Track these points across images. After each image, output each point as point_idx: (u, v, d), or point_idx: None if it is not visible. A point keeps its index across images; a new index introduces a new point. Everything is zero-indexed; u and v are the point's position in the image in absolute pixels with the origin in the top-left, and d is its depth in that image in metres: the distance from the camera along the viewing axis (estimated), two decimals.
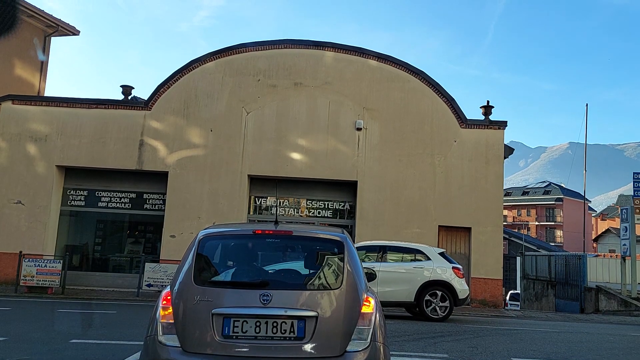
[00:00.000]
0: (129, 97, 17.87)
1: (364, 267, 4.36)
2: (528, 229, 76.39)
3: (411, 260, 12.02)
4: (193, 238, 4.26)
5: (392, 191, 16.53)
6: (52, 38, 22.47)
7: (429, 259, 11.94)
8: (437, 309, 11.55)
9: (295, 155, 16.72)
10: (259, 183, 17.12)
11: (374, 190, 16.52)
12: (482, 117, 17.18)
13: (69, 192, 17.37)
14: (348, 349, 3.70)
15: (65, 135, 16.93)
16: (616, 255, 26.89)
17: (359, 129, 16.74)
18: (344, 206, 17.25)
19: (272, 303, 3.73)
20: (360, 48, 17.28)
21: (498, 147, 16.73)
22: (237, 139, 16.82)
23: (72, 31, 22.77)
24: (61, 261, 14.83)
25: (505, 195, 27.37)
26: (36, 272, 14.43)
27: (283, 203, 17.34)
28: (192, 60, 17.31)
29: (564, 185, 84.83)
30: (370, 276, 5.36)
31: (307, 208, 17.30)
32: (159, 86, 17.20)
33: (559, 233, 76.92)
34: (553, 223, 78.26)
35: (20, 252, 14.90)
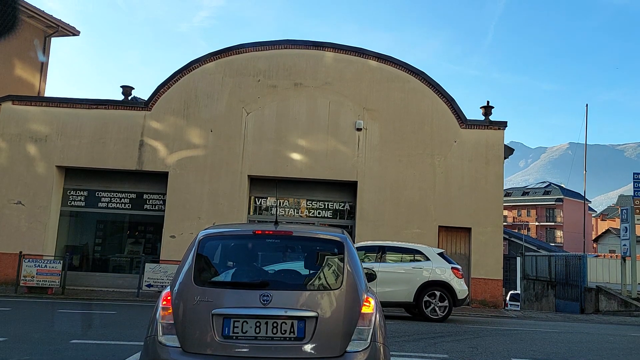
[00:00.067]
0: (129, 98, 17.88)
1: (364, 268, 4.36)
2: (528, 230, 76.39)
3: (410, 260, 12.01)
4: (193, 238, 4.26)
5: (392, 191, 16.53)
6: (52, 38, 22.48)
7: (428, 259, 11.94)
8: (437, 309, 11.55)
9: (295, 156, 16.72)
10: (259, 183, 17.12)
11: (374, 191, 16.53)
12: (482, 118, 17.19)
13: (69, 192, 17.37)
14: (348, 349, 3.70)
15: (66, 136, 16.93)
16: (616, 255, 26.89)
17: (359, 129, 16.75)
18: (344, 206, 17.25)
19: (272, 303, 3.73)
20: (360, 48, 17.28)
21: (498, 148, 16.73)
22: (237, 140, 16.83)
23: (72, 31, 22.78)
24: (61, 261, 14.83)
25: (505, 195, 27.37)
26: (36, 272, 14.44)
27: (283, 203, 17.34)
28: (192, 61, 17.32)
29: (564, 186, 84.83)
30: (370, 276, 5.37)
31: (307, 208, 17.30)
32: (159, 86, 17.21)
33: (559, 233, 76.92)
34: (553, 223, 78.26)
35: (21, 252, 14.90)
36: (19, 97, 17.54)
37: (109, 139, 16.89)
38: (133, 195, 17.35)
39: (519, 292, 28.68)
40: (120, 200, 17.33)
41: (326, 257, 4.21)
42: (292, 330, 3.70)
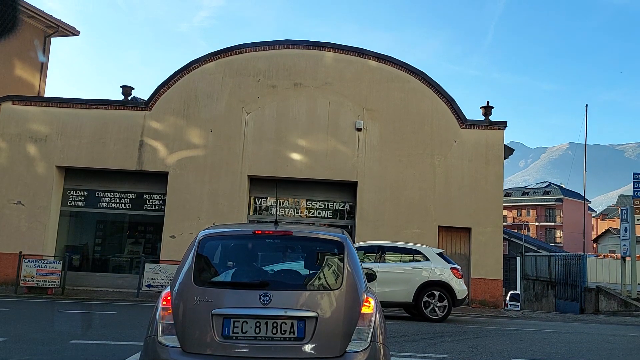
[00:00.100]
0: (129, 98, 17.88)
1: (364, 268, 4.36)
2: (528, 230, 76.39)
3: (409, 260, 12.01)
4: (193, 238, 4.26)
5: (392, 191, 16.54)
6: (52, 38, 22.49)
7: (427, 259, 11.94)
8: (436, 309, 11.54)
9: (295, 156, 16.72)
10: (259, 183, 17.12)
11: (374, 191, 16.53)
12: (482, 118, 17.19)
13: (69, 192, 17.37)
14: (348, 349, 3.70)
15: (65, 136, 16.93)
16: (616, 255, 26.89)
17: (359, 130, 16.75)
18: (344, 206, 17.25)
19: (272, 303, 3.73)
20: (360, 48, 17.29)
21: (498, 148, 16.74)
22: (237, 140, 16.83)
23: (72, 31, 22.79)
24: (61, 262, 14.83)
25: (505, 195, 27.38)
26: (36, 272, 14.44)
27: (283, 203, 17.34)
28: (192, 61, 17.32)
29: (563, 186, 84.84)
30: (370, 277, 5.37)
31: (307, 208, 17.31)
32: (158, 87, 17.21)
33: (559, 233, 76.92)
34: (553, 223, 78.26)
35: (20, 252, 14.91)
36: (19, 97, 17.54)
37: (109, 139, 16.90)
38: (133, 195, 17.35)
39: (518, 292, 28.68)
40: (120, 200, 17.33)
41: (326, 257, 4.21)
42: (292, 331, 3.70)
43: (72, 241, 17.53)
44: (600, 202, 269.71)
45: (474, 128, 16.83)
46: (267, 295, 3.75)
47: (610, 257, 27.86)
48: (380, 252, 12.06)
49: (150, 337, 3.81)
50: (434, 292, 11.59)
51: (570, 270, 21.03)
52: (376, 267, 11.28)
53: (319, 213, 17.23)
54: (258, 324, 3.71)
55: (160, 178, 16.92)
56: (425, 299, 11.56)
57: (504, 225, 20.56)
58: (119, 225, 17.85)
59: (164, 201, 16.88)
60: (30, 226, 16.49)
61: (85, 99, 17.41)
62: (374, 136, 16.78)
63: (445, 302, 11.56)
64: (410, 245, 12.60)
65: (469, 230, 16.36)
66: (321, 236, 4.36)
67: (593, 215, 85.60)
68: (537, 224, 78.97)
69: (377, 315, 3.90)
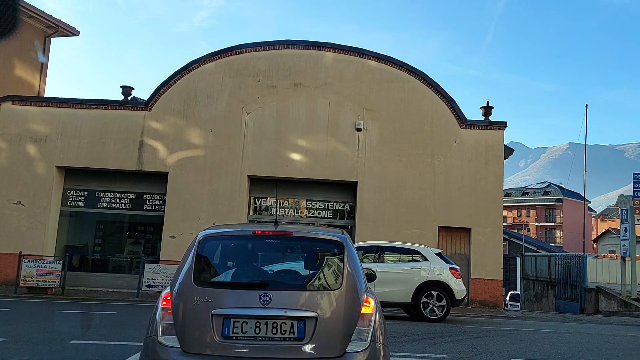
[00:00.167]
0: (129, 98, 17.88)
1: (364, 268, 4.36)
2: (528, 230, 76.40)
3: (408, 260, 12.01)
4: (193, 239, 4.26)
5: (392, 191, 16.54)
6: (52, 38, 22.48)
7: (426, 259, 11.94)
8: (435, 309, 11.54)
9: (295, 156, 16.73)
10: (258, 183, 17.13)
11: (374, 191, 16.53)
12: (482, 118, 17.19)
13: (69, 192, 17.37)
14: (348, 349, 3.70)
15: (65, 136, 16.93)
16: (616, 255, 26.91)
17: (358, 130, 16.75)
18: (343, 207, 17.25)
19: (272, 304, 3.73)
20: (359, 49, 17.29)
21: (498, 148, 16.74)
22: (237, 140, 16.83)
23: (72, 32, 22.79)
24: (61, 262, 14.83)
25: (505, 195, 27.38)
26: (36, 272, 14.44)
27: (283, 203, 17.34)
28: (192, 61, 17.32)
29: (563, 186, 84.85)
30: (370, 277, 5.37)
31: (307, 208, 17.31)
32: (158, 87, 17.21)
33: (558, 234, 76.93)
34: (553, 224, 78.27)
35: (20, 252, 14.91)
36: (19, 97, 17.54)
37: (109, 139, 16.90)
38: (133, 196, 17.35)
39: (518, 292, 28.68)
40: (120, 200, 17.33)
41: (326, 257, 4.21)
42: (292, 331, 3.70)
43: (72, 241, 17.53)
44: (600, 202, 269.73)
45: (473, 128, 16.84)
46: (267, 296, 3.75)
47: (610, 257, 27.88)
48: (379, 252, 12.06)
49: (150, 337, 3.81)
50: (433, 292, 11.59)
51: (570, 270, 21.03)
52: (375, 267, 11.25)
53: (318, 213, 17.24)
54: (258, 324, 3.71)
55: (160, 178, 16.93)
56: (424, 299, 11.56)
57: (503, 225, 20.57)
58: (119, 226, 17.85)
59: (164, 201, 16.88)
60: (30, 226, 16.49)
61: (85, 99, 17.41)
62: (374, 136, 16.78)
63: (443, 302, 11.56)
64: (409, 245, 12.61)
65: (468, 230, 16.36)
66: (321, 236, 4.36)
67: (593, 215, 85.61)
68: (537, 224, 78.98)
69: (377, 316, 3.90)
